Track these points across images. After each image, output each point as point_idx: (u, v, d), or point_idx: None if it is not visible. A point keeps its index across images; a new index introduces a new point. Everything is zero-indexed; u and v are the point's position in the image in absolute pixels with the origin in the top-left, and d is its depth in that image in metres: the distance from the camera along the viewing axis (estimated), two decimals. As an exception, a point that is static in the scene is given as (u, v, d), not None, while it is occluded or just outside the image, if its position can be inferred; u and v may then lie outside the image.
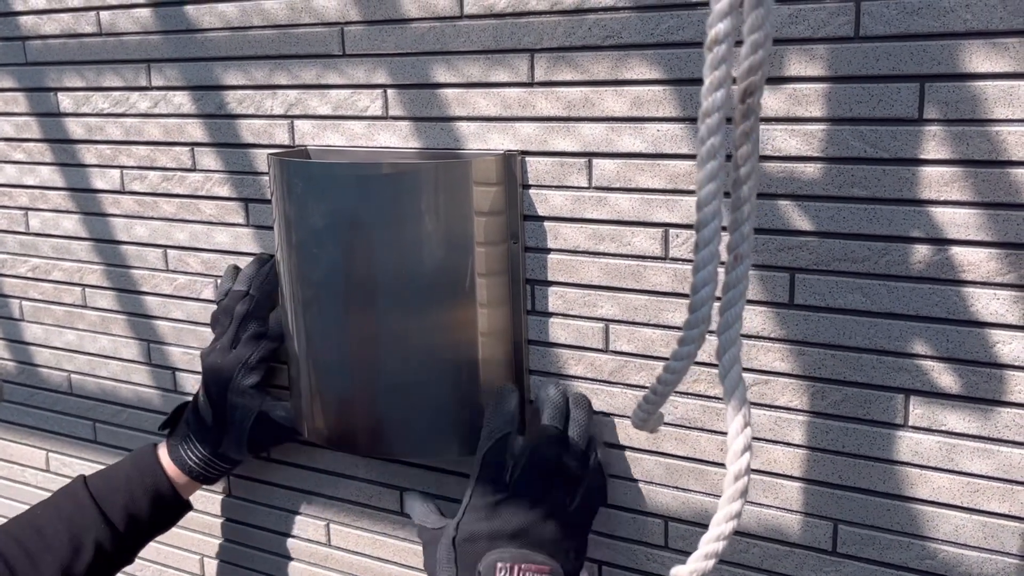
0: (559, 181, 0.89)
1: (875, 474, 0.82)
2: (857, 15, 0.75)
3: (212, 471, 1.07)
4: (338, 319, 0.93)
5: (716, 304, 0.65)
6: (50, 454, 1.36)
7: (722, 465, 0.88)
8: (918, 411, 0.79)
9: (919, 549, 0.81)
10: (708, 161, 0.59)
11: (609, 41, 0.84)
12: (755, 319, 0.83)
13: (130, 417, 1.26)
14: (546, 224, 0.91)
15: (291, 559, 1.18)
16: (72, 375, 1.30)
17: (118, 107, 1.14)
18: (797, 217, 0.80)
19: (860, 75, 0.75)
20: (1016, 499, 0.77)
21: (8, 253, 1.30)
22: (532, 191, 0.91)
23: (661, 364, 0.88)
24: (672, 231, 0.86)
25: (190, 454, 1.06)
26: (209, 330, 1.13)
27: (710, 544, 0.65)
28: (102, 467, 1.10)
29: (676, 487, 0.91)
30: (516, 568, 0.82)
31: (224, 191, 1.10)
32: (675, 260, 0.86)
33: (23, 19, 1.18)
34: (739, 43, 0.58)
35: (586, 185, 0.88)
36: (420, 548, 1.07)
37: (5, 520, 1.06)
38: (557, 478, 0.86)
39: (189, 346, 1.18)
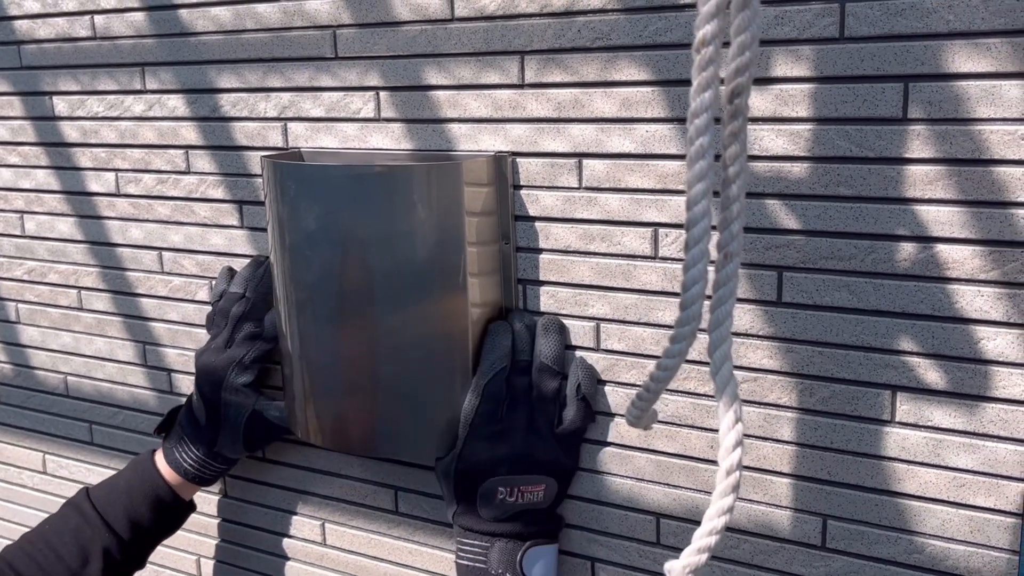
0: (550, 182, 0.90)
1: (863, 470, 0.83)
2: (842, 16, 0.76)
3: (208, 472, 1.08)
4: (331, 320, 0.94)
5: (706, 302, 0.65)
6: (47, 456, 1.36)
7: (713, 462, 0.89)
8: (905, 407, 0.80)
9: (907, 544, 0.82)
10: (697, 161, 0.60)
11: (598, 43, 0.85)
12: (744, 317, 0.84)
13: (126, 419, 1.27)
14: (537, 224, 0.92)
15: (287, 558, 1.19)
16: (68, 377, 1.30)
17: (113, 110, 1.15)
18: (784, 216, 0.81)
19: (845, 75, 0.76)
20: (1001, 493, 0.78)
21: (4, 256, 1.31)
22: (523, 192, 0.92)
23: (652, 362, 0.89)
24: (662, 230, 0.86)
25: (185, 456, 1.07)
26: (204, 331, 1.14)
27: (703, 539, 0.65)
28: (103, 473, 1.11)
29: (667, 484, 0.92)
30: (515, 490, 0.91)
31: (218, 193, 1.10)
32: (665, 259, 0.87)
33: (18, 23, 1.18)
34: (727, 45, 0.59)
35: (576, 185, 0.89)
36: (415, 547, 1.08)
37: (4, 521, 1.07)
38: (539, 402, 0.92)
39: (185, 348, 1.19)
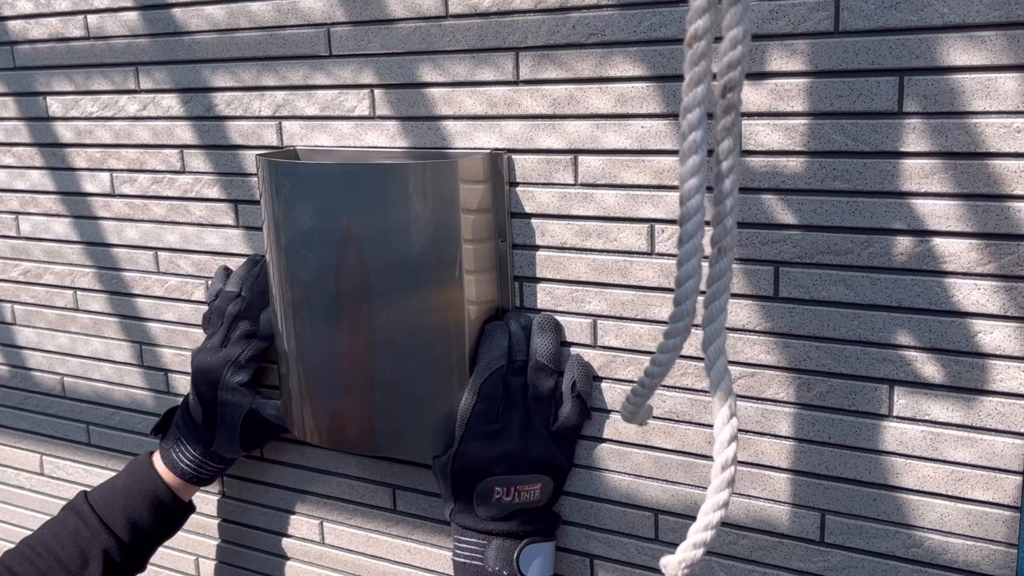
0: (545, 178, 0.90)
1: (861, 464, 0.82)
2: (837, 10, 0.75)
3: (205, 472, 1.08)
4: (328, 318, 0.94)
5: (701, 298, 0.65)
6: (44, 457, 1.36)
7: (710, 457, 0.89)
8: (902, 401, 0.80)
9: (905, 537, 0.82)
10: (690, 156, 0.60)
11: (593, 39, 0.85)
12: (740, 312, 0.84)
13: (123, 419, 1.26)
14: (533, 221, 0.92)
15: (286, 558, 1.18)
16: (65, 378, 1.30)
17: (107, 110, 1.15)
18: (780, 211, 0.81)
19: (840, 70, 0.76)
20: (999, 486, 0.78)
21: (-1, 257, 1.31)
22: (519, 189, 0.92)
23: (649, 359, 0.89)
24: (658, 226, 0.86)
25: (182, 456, 1.07)
26: (201, 331, 1.14)
27: (698, 534, 0.65)
28: (100, 474, 1.11)
29: (665, 480, 0.92)
30: (511, 489, 0.91)
31: (214, 193, 1.10)
32: (661, 255, 0.87)
33: (11, 24, 1.18)
34: (719, 40, 0.59)
35: (572, 182, 0.89)
36: (413, 545, 1.08)
37: (2, 523, 1.07)
38: (535, 401, 0.92)
39: (181, 348, 1.18)
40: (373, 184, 0.89)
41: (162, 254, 1.16)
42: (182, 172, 1.12)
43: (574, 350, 0.93)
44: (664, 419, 0.90)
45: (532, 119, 0.89)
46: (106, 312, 1.23)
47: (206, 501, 1.23)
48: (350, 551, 1.13)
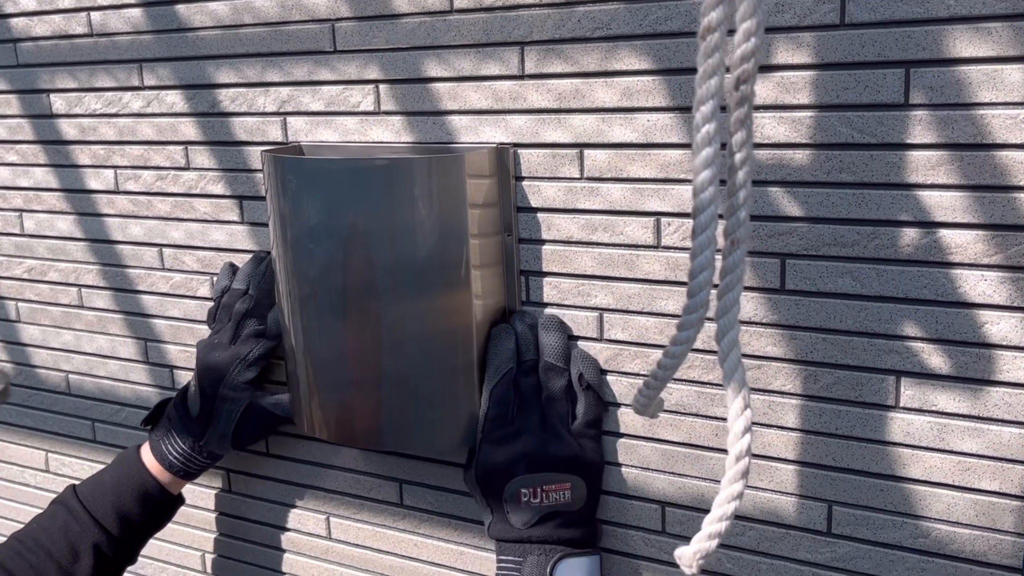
0: (551, 173, 0.90)
1: (868, 455, 0.83)
2: (843, 2, 0.76)
3: (193, 466, 1.08)
4: (334, 314, 0.94)
5: (713, 290, 0.66)
6: (49, 454, 1.36)
7: (718, 450, 0.89)
8: (909, 392, 0.80)
9: (912, 528, 0.82)
10: (704, 148, 0.60)
11: (598, 32, 0.85)
12: (748, 305, 0.85)
13: (129, 416, 1.26)
14: (539, 215, 0.92)
15: (292, 553, 1.19)
16: (70, 375, 1.30)
17: (111, 107, 1.15)
18: (787, 203, 0.81)
19: (846, 62, 0.76)
20: (1006, 476, 0.78)
21: (4, 255, 1.30)
22: (525, 183, 0.92)
23: (655, 352, 0.90)
24: (664, 220, 0.87)
25: (171, 448, 1.06)
26: (206, 328, 1.14)
27: (713, 524, 0.65)
28: (93, 472, 1.11)
29: (672, 473, 0.92)
30: (538, 490, 0.90)
31: (218, 189, 1.10)
32: (667, 248, 0.87)
33: (14, 21, 1.18)
34: (731, 32, 0.59)
35: (578, 176, 0.89)
36: (420, 539, 1.08)
37: (8, 520, 1.07)
38: (549, 401, 0.91)
39: (187, 344, 1.19)
40: (379, 180, 0.89)
41: (167, 251, 1.16)
42: (186, 168, 1.12)
43: (581, 344, 0.93)
44: (672, 412, 0.90)
45: (538, 113, 0.90)
46: (111, 309, 1.23)
47: (212, 497, 1.23)
48: (357, 545, 1.13)
